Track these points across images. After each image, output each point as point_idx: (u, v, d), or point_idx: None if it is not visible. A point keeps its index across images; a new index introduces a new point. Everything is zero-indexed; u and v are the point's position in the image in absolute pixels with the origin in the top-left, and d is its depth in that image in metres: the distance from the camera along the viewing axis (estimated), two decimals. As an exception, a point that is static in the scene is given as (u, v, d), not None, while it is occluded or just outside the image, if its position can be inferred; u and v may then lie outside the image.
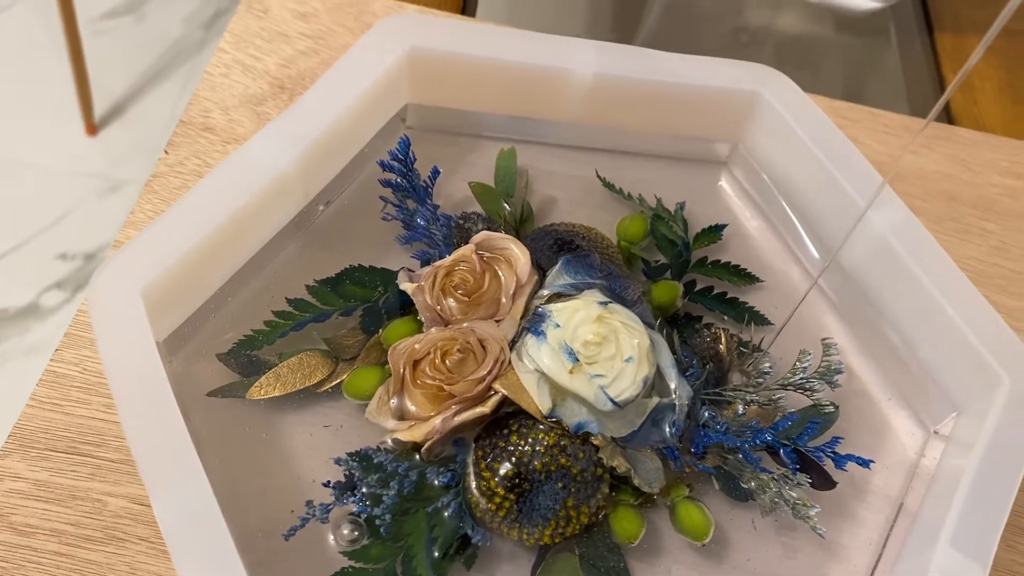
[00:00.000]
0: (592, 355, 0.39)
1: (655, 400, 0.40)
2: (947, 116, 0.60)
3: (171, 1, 1.43)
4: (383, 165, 0.44)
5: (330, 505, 0.37)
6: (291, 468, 0.39)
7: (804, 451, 0.39)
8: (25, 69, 1.33)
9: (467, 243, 0.42)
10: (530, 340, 0.39)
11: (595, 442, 0.38)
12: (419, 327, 0.41)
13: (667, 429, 0.40)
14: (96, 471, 0.40)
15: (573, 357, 0.38)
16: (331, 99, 0.42)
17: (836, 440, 0.39)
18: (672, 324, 0.44)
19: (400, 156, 0.44)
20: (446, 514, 0.37)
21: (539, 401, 0.38)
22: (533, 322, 0.40)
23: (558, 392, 0.39)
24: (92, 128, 1.29)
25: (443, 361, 0.39)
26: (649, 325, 0.41)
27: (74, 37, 1.17)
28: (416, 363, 0.39)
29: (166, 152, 0.49)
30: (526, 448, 0.38)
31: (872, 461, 0.40)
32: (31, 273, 1.17)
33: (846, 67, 0.68)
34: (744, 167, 0.50)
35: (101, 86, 1.30)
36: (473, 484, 0.38)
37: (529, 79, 0.46)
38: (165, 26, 1.41)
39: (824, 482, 0.39)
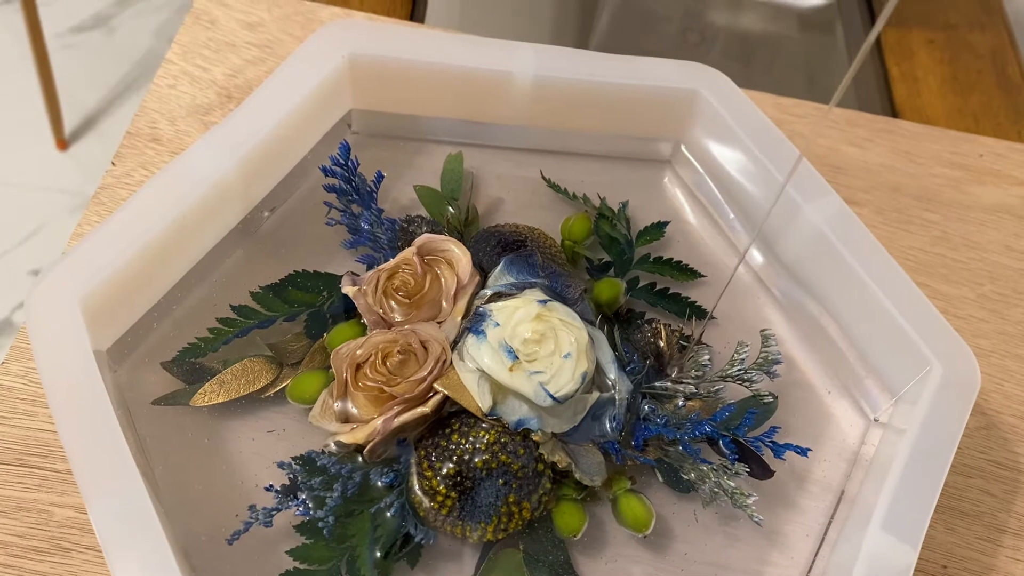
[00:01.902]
0: (531, 352, 0.39)
1: (595, 395, 0.40)
2: (891, 109, 0.61)
3: (140, 14, 1.43)
4: (325, 171, 0.44)
5: (273, 509, 0.37)
6: (235, 473, 0.39)
7: (743, 441, 0.40)
8: (-7, 85, 1.32)
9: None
10: (471, 340, 0.40)
11: (536, 438, 0.39)
12: (363, 330, 0.42)
13: (608, 423, 0.40)
14: (43, 482, 0.40)
15: (512, 355, 0.39)
16: (270, 106, 0.43)
17: (774, 430, 0.40)
18: (614, 321, 0.45)
19: (341, 161, 0.44)
20: (389, 514, 0.38)
21: (480, 399, 0.39)
22: (474, 322, 0.41)
23: (499, 390, 0.39)
24: (62, 143, 1.29)
25: (384, 363, 0.39)
26: (589, 322, 0.42)
27: (42, 52, 1.17)
28: (358, 366, 0.40)
29: (113, 164, 0.49)
30: (467, 446, 0.38)
31: (810, 449, 0.40)
32: (3, 289, 1.17)
33: (794, 64, 0.69)
34: (686, 165, 0.50)
35: (71, 100, 1.30)
36: (416, 484, 0.38)
37: (471, 82, 0.47)
38: (134, 39, 1.41)
39: (762, 471, 0.40)
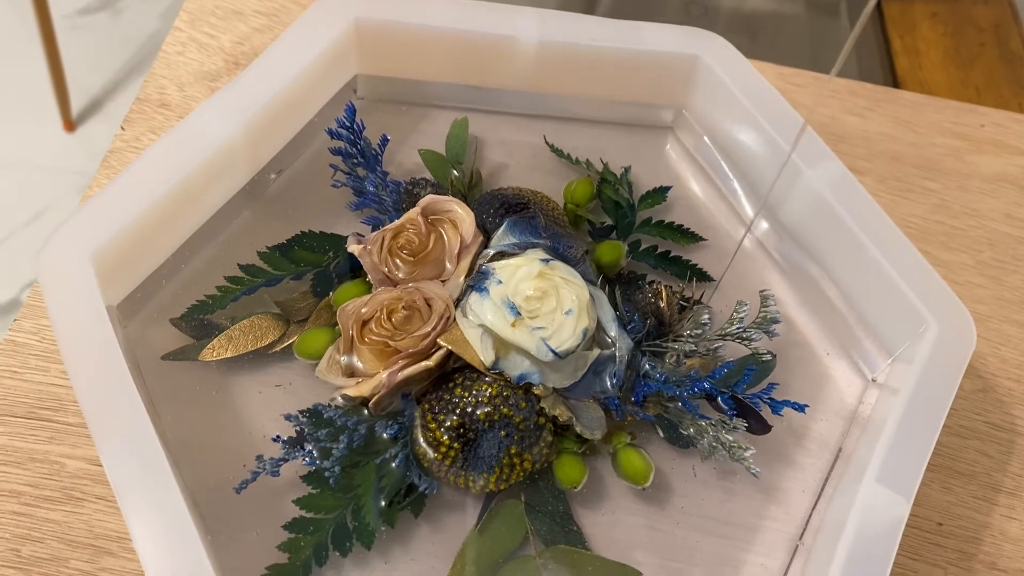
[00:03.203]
0: (533, 309, 0.40)
1: (596, 352, 0.41)
2: (893, 81, 0.61)
3: (147, -4, 1.43)
4: (331, 133, 0.45)
5: (280, 459, 0.38)
6: (243, 425, 0.40)
7: (741, 398, 0.41)
8: (1, 66, 1.33)
9: (415, 207, 0.43)
10: (473, 296, 0.41)
11: (537, 392, 0.39)
12: (368, 289, 0.43)
13: (608, 380, 0.41)
14: (55, 435, 0.41)
15: (515, 311, 0.40)
16: (277, 69, 0.43)
17: (772, 386, 0.41)
18: (615, 281, 0.45)
19: (347, 124, 0.45)
20: (394, 464, 0.38)
21: (482, 354, 0.39)
22: (477, 279, 0.41)
23: (501, 345, 0.40)
24: (70, 124, 1.30)
25: (389, 319, 0.40)
26: (591, 282, 0.43)
27: (49, 34, 1.18)
28: (364, 322, 0.40)
29: (122, 128, 0.50)
30: (470, 399, 0.39)
31: (807, 405, 0.41)
32: (12, 270, 1.18)
33: (798, 36, 0.69)
34: (689, 131, 0.51)
35: (78, 82, 1.30)
36: (420, 436, 0.39)
37: (475, 47, 0.47)
38: (141, 21, 1.41)
39: (760, 426, 0.41)
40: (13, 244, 1.20)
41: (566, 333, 0.39)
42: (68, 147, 1.29)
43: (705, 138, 0.50)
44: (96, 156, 1.28)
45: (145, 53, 1.39)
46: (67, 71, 1.24)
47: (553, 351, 0.39)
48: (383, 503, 0.38)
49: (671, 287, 0.45)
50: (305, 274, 0.43)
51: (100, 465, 0.40)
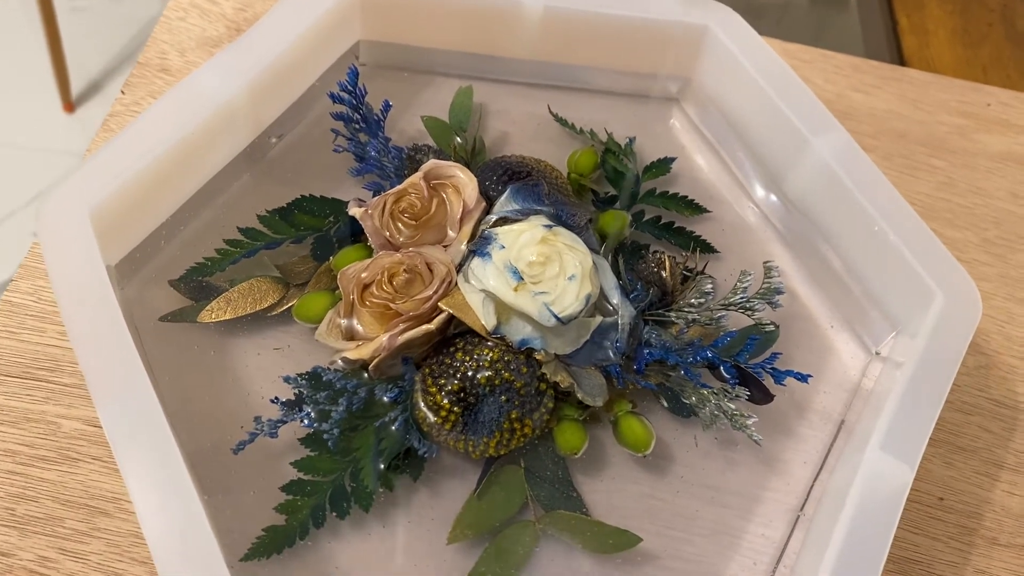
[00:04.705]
0: (536, 274, 0.39)
1: (598, 319, 0.41)
2: (900, 60, 0.61)
3: (149, -22, 1.42)
4: (333, 97, 0.44)
5: (278, 421, 0.38)
6: (241, 387, 0.40)
7: (743, 367, 0.40)
8: (1, 48, 1.32)
9: (417, 172, 0.43)
10: (476, 261, 0.40)
11: (539, 358, 0.39)
12: (369, 254, 0.42)
13: (610, 347, 0.40)
14: (51, 395, 0.40)
15: (518, 276, 0.39)
16: (278, 32, 0.43)
17: (775, 356, 0.40)
18: (619, 250, 0.45)
19: (349, 87, 0.44)
20: (393, 428, 0.38)
21: (484, 319, 0.39)
22: (479, 244, 0.41)
23: (503, 310, 0.39)
24: (70, 105, 1.29)
25: (391, 282, 0.40)
26: (594, 250, 0.42)
27: (50, 15, 1.17)
28: (365, 286, 0.40)
29: (123, 92, 0.49)
30: (471, 364, 0.39)
31: (810, 376, 0.40)
32: (10, 250, 1.17)
33: (808, 14, 0.68)
34: (695, 103, 0.50)
35: (78, 63, 1.30)
36: (420, 400, 0.39)
37: (480, 14, 0.47)
38: (142, 4, 1.40)
39: (763, 395, 0.40)
40: (12, 224, 1.20)
41: (569, 298, 0.39)
42: (68, 128, 1.28)
43: (711, 109, 0.49)
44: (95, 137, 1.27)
45: (146, 35, 1.38)
46: (67, 52, 1.23)
47: (556, 316, 0.39)
48: (382, 466, 0.38)
49: (674, 257, 0.45)
50: (305, 238, 0.43)
51: (96, 426, 0.40)
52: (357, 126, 0.45)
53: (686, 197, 0.47)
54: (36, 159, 1.25)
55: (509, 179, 0.44)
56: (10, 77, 1.30)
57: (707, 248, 0.46)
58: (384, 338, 0.39)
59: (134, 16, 1.39)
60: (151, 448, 0.33)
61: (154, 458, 0.33)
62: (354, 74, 0.44)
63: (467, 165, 0.46)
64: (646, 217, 0.47)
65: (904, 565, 0.41)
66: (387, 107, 0.46)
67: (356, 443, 0.38)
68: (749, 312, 0.42)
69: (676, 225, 0.46)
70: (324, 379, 0.39)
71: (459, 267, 0.41)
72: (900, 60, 0.60)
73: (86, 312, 0.35)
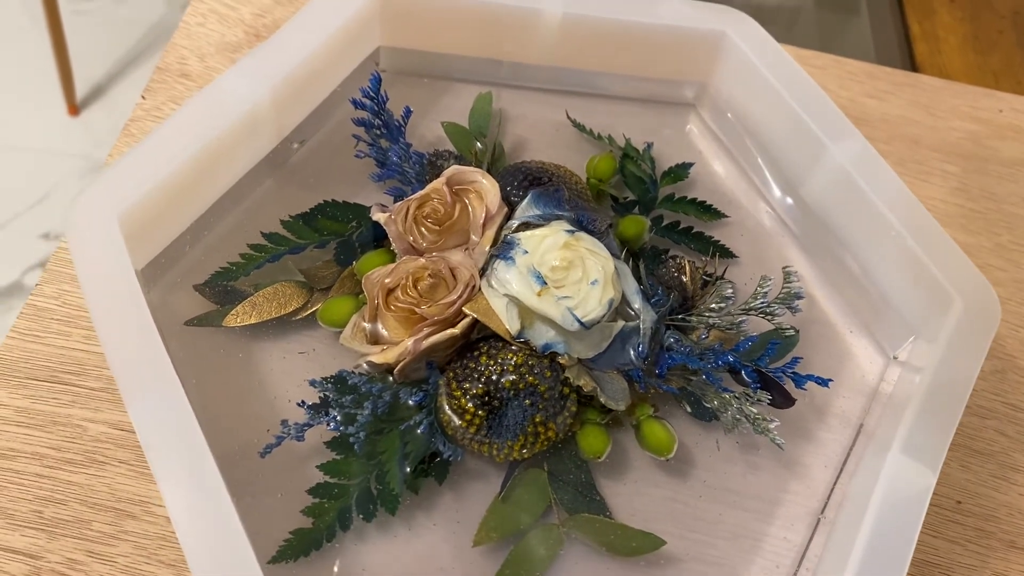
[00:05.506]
0: (559, 279, 0.40)
1: (620, 324, 0.41)
2: (912, 66, 0.61)
3: (152, -18, 1.43)
4: (355, 103, 0.45)
5: (305, 424, 0.38)
6: (267, 391, 0.40)
7: (764, 371, 0.41)
8: (6, 51, 1.32)
9: (439, 178, 0.43)
10: (499, 266, 0.41)
11: (562, 362, 0.39)
12: (392, 258, 0.43)
13: (632, 351, 0.41)
14: (77, 398, 0.41)
15: (541, 280, 0.39)
16: (301, 38, 0.43)
17: (796, 360, 0.41)
18: (639, 255, 0.45)
19: (372, 93, 0.44)
20: (418, 431, 0.38)
21: (508, 323, 0.39)
22: (502, 249, 0.41)
23: (527, 314, 0.40)
24: (74, 108, 1.29)
25: (415, 287, 0.40)
26: (615, 255, 0.43)
27: (55, 18, 1.18)
28: (390, 291, 0.40)
29: (143, 97, 0.49)
30: (495, 368, 0.39)
31: (831, 380, 0.41)
32: (14, 252, 1.18)
33: (818, 21, 0.69)
34: (712, 108, 0.51)
35: (83, 67, 1.30)
36: (445, 403, 0.39)
37: (499, 20, 0.47)
38: (146, 7, 1.41)
39: (784, 400, 0.41)
40: (17, 227, 1.20)
41: (592, 303, 0.39)
42: (72, 131, 1.28)
43: (730, 115, 0.49)
44: (99, 141, 1.28)
45: (151, 39, 1.38)
46: (72, 55, 1.23)
47: (579, 320, 0.39)
48: (407, 470, 0.38)
49: (694, 262, 0.45)
50: (328, 243, 0.43)
51: (122, 429, 0.40)
52: (378, 132, 0.45)
53: (704, 202, 0.48)
54: (40, 162, 1.25)
55: (530, 184, 0.45)
56: (14, 80, 1.30)
57: (726, 253, 0.47)
58: (409, 342, 0.39)
59: (139, 19, 1.39)
60: (183, 450, 0.33)
61: (186, 460, 0.33)
62: (376, 80, 0.44)
63: (488, 170, 0.46)
64: (665, 222, 0.47)
65: (924, 568, 0.42)
66: (408, 113, 0.46)
67: (382, 446, 0.38)
68: (769, 316, 0.42)
69: (695, 230, 0.47)
70: (349, 383, 0.39)
71: (482, 272, 0.41)
72: (912, 66, 0.61)
73: (116, 315, 0.35)
